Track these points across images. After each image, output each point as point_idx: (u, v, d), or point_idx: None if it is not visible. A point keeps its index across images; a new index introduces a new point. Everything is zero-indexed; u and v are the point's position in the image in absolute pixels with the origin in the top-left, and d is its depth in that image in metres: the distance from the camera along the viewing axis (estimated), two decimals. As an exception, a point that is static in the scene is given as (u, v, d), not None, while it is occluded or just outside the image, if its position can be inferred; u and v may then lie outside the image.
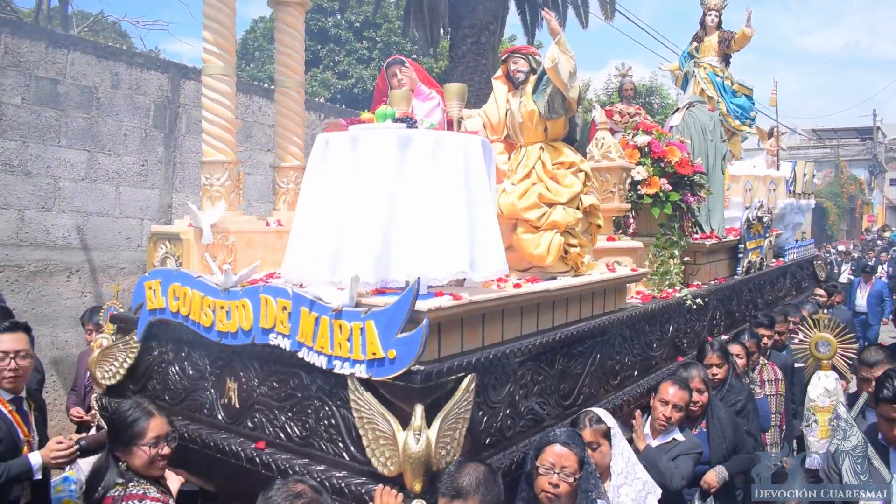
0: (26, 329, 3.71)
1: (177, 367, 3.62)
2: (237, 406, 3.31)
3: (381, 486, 2.66)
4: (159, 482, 2.95)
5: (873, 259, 18.06)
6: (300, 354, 2.92)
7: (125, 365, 3.85)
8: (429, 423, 2.63)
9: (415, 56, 16.98)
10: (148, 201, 7.68)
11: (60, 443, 3.49)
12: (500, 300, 3.16)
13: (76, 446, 3.52)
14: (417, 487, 2.60)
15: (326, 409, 2.94)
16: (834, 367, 5.26)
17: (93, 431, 4.57)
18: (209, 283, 3.33)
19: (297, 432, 3.05)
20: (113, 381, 3.88)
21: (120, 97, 7.38)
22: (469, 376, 2.82)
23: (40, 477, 3.43)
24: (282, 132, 4.40)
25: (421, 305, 2.69)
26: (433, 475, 2.63)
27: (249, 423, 3.25)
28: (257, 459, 3.08)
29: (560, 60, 3.76)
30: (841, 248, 24.67)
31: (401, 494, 2.62)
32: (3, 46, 6.45)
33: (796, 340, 5.74)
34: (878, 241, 28.16)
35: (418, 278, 2.65)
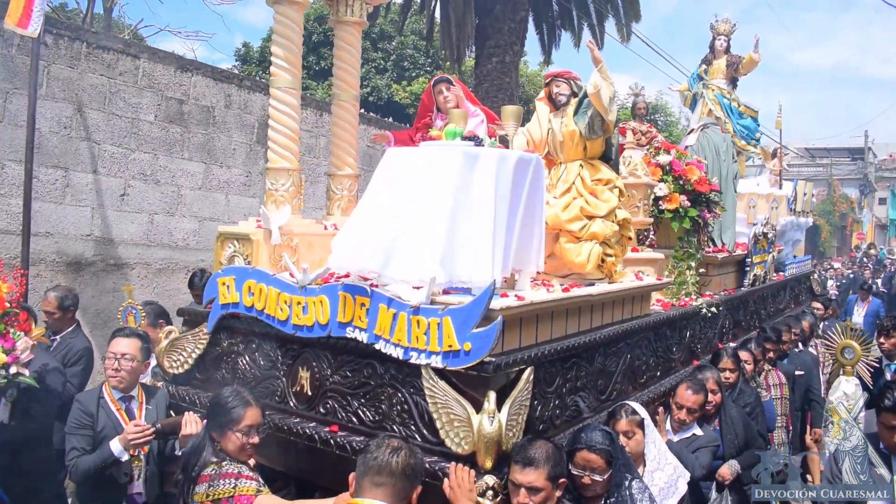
0: (141, 337, 4.05)
1: (247, 358, 3.92)
2: (309, 393, 3.62)
3: (454, 463, 2.98)
4: (248, 464, 3.25)
5: (870, 278, 18.53)
6: (377, 346, 3.25)
7: (193, 355, 4.14)
8: (498, 409, 2.97)
9: (428, 69, 17.40)
10: (250, 208, 8.51)
11: (137, 426, 3.80)
12: (555, 302, 3.52)
13: (151, 429, 3.82)
14: (488, 465, 2.94)
15: (399, 395, 3.26)
16: (857, 374, 5.56)
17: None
18: (286, 281, 3.65)
19: (370, 417, 3.37)
20: (180, 371, 4.17)
21: (231, 116, 8.35)
22: (529, 368, 3.17)
23: (127, 458, 3.74)
24: (337, 142, 4.73)
25: (493, 304, 3.03)
26: (501, 455, 2.97)
27: (321, 409, 3.55)
28: (332, 441, 3.38)
29: (602, 87, 4.12)
30: (836, 265, 25.28)
31: (473, 471, 2.95)
32: (142, 70, 7.34)
33: (822, 349, 6.02)
34: (865, 259, 28.81)
35: (494, 280, 3.00)
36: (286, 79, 4.23)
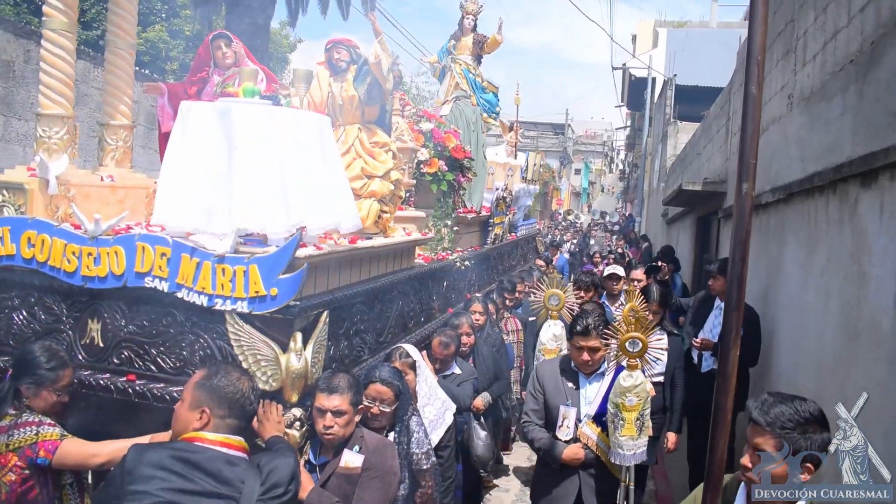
0: None
1: (24, 313, 3.76)
2: (101, 345, 3.60)
3: (263, 399, 3.24)
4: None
5: (559, 236, 21.22)
6: (179, 294, 3.37)
7: (-46, 312, 3.87)
8: (303, 348, 3.28)
9: (164, 16, 16.37)
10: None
11: None
12: (347, 252, 3.87)
13: None
14: (295, 398, 3.25)
15: (202, 341, 3.42)
16: (561, 317, 6.58)
17: None
18: (73, 231, 3.58)
19: (171, 364, 3.47)
20: (-62, 329, 3.88)
21: (30, 71, 8.48)
22: (326, 312, 3.51)
23: None
24: (112, 91, 4.58)
25: (298, 253, 3.31)
26: (306, 389, 3.29)
27: (115, 360, 3.57)
28: (130, 390, 3.44)
29: (381, 57, 4.50)
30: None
31: (280, 405, 3.23)
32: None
33: (531, 298, 6.93)
34: (563, 222, 32.90)
35: (299, 230, 3.27)
36: (61, 21, 4.04)
